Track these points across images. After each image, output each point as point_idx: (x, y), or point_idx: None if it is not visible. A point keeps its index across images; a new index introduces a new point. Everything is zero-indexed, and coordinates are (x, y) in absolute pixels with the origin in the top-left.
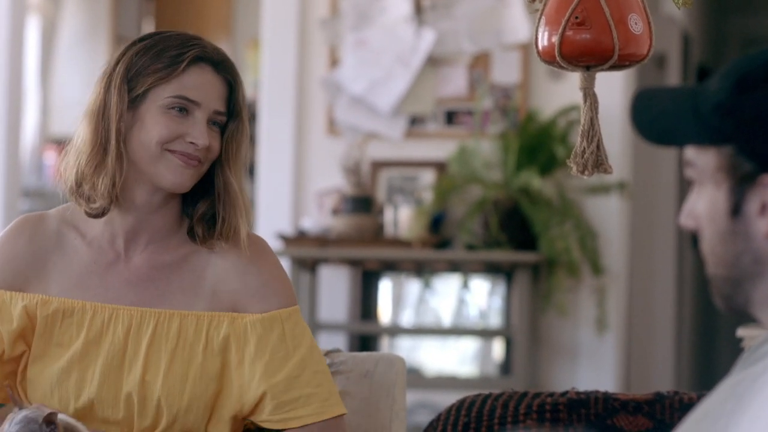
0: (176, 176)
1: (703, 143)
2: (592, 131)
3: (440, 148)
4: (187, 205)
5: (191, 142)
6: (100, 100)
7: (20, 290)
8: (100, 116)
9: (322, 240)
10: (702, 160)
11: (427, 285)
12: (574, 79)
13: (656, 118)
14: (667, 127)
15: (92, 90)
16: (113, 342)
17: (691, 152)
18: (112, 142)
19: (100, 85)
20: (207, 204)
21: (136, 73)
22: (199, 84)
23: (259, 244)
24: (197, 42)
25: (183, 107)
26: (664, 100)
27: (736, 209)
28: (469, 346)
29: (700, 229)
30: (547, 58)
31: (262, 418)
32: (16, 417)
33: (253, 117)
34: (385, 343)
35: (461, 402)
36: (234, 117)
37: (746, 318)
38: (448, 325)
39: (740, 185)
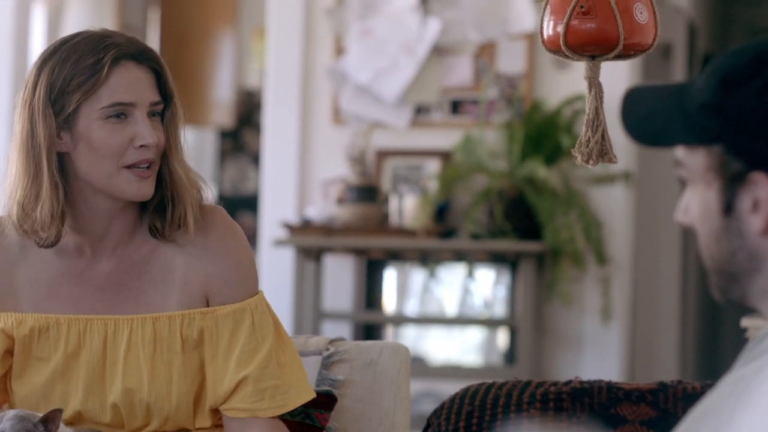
0: (138, 189)
1: (692, 143)
2: (597, 121)
3: (445, 137)
4: (142, 202)
5: (142, 146)
6: (26, 129)
7: None
8: (29, 146)
9: (327, 229)
10: (692, 160)
11: (431, 274)
12: (579, 68)
13: (645, 120)
14: (655, 128)
15: (16, 119)
16: (92, 353)
17: (681, 152)
18: (44, 171)
19: (24, 114)
20: (157, 198)
21: (59, 93)
22: (127, 83)
23: (220, 217)
24: (110, 41)
25: (120, 113)
26: (652, 100)
27: (728, 208)
28: (474, 335)
29: (695, 227)
30: (553, 47)
31: (231, 405)
32: (7, 414)
33: (258, 106)
34: (389, 332)
35: (465, 391)
36: (168, 102)
37: (747, 309)
38: (453, 315)
39: (731, 184)
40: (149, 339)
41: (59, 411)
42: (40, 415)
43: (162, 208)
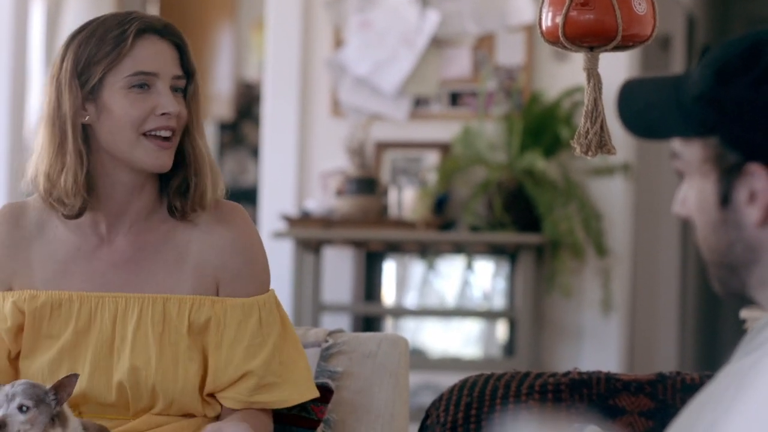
0: (156, 159)
1: (688, 135)
2: (596, 112)
3: (444, 129)
4: (163, 181)
5: (163, 113)
6: (52, 102)
7: (8, 282)
8: (55, 117)
9: (326, 221)
10: (688, 152)
11: (431, 266)
12: (578, 60)
13: (641, 112)
14: (651, 120)
15: (44, 94)
16: (101, 330)
17: (677, 144)
18: (69, 140)
19: (50, 88)
20: (180, 176)
21: (85, 65)
22: (151, 55)
23: (240, 214)
24: (135, 15)
25: (143, 83)
26: (648, 93)
27: (725, 199)
28: (473, 327)
29: (692, 218)
30: (551, 38)
31: (228, 395)
32: (17, 381)
33: (257, 98)
34: (389, 324)
35: (464, 382)
36: (190, 79)
37: (746, 300)
38: (452, 307)
39: (727, 175)
40: (159, 319)
41: (74, 377)
42: (49, 386)
43: (183, 188)
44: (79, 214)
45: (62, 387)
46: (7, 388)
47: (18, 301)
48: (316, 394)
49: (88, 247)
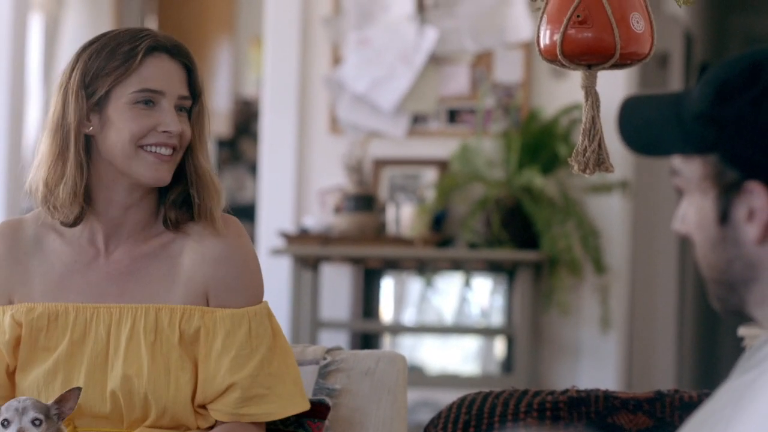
0: (154, 172)
1: (688, 152)
2: (594, 130)
3: (442, 146)
4: (162, 196)
5: (164, 131)
6: (58, 111)
7: (7, 296)
8: (59, 125)
9: (324, 238)
10: (688, 169)
11: (428, 283)
12: (576, 77)
13: (641, 129)
14: (652, 137)
15: (50, 103)
16: (96, 341)
17: (677, 161)
18: (71, 149)
19: (57, 97)
20: (179, 190)
21: (93, 77)
22: (158, 73)
23: (234, 227)
24: (147, 33)
25: (149, 99)
26: (649, 110)
27: (723, 217)
28: (471, 344)
29: (692, 236)
30: (549, 56)
31: (216, 407)
32: (21, 397)
33: (255, 115)
34: (386, 341)
35: (462, 400)
36: (196, 99)
37: (746, 317)
38: (450, 324)
39: (726, 193)
40: (151, 328)
41: (76, 390)
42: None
43: (179, 201)
44: (75, 223)
45: (65, 401)
46: (15, 403)
47: (16, 314)
48: (306, 407)
49: (84, 259)
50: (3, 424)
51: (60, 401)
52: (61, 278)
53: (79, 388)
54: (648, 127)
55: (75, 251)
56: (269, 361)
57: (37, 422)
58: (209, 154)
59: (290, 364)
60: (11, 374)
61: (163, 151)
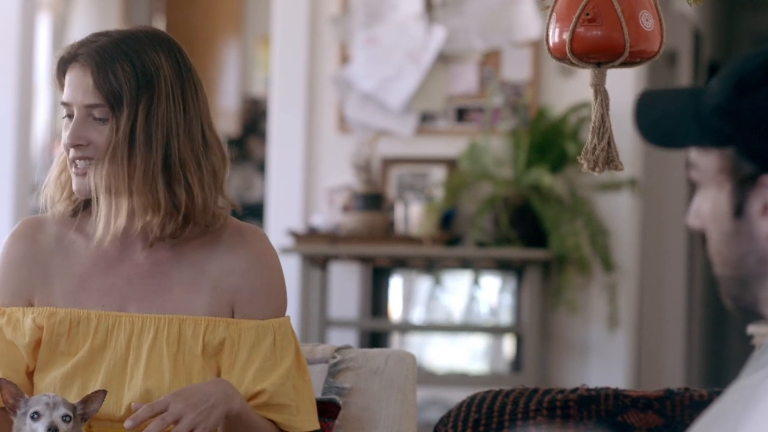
0: (75, 185)
1: (705, 145)
2: (603, 128)
3: (451, 145)
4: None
5: (65, 144)
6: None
7: (28, 296)
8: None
9: (333, 237)
10: (704, 161)
11: (437, 282)
12: (585, 76)
13: (658, 121)
14: (669, 129)
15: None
16: (116, 349)
17: (693, 154)
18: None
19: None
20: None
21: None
22: (68, 84)
23: (262, 238)
24: (73, 43)
25: (68, 113)
26: (666, 103)
27: (738, 210)
28: (480, 343)
29: (706, 229)
30: (558, 54)
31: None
32: (48, 393)
33: (263, 114)
34: (395, 339)
35: (472, 398)
36: (119, 102)
37: (757, 316)
38: (459, 322)
39: (742, 186)
40: (174, 339)
41: (102, 393)
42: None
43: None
44: (74, 214)
45: (90, 402)
46: (44, 397)
47: (38, 318)
48: (317, 427)
49: (105, 261)
50: (33, 417)
51: (85, 402)
52: (82, 280)
53: (105, 391)
54: (665, 119)
55: (95, 252)
56: (293, 374)
57: (67, 418)
58: (199, 147)
59: (308, 381)
60: (30, 374)
61: (78, 163)
